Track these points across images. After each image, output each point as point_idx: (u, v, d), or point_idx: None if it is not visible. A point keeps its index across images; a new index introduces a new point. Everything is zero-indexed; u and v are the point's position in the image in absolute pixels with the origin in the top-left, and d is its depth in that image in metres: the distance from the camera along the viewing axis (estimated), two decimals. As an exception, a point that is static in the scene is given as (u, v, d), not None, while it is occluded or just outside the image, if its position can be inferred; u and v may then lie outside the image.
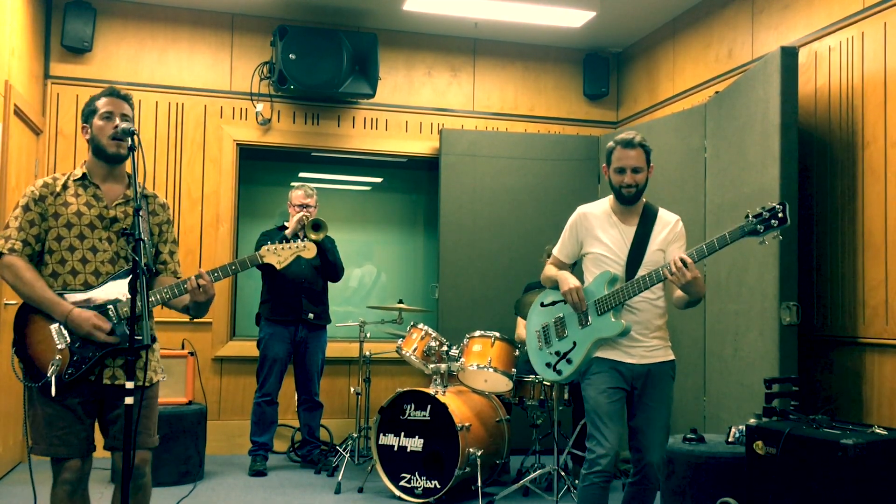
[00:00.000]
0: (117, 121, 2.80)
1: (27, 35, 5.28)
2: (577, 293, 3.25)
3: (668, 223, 3.34)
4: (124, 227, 2.81)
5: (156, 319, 3.07)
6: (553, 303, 3.41)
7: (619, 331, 3.20)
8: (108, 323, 2.72)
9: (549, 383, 4.70)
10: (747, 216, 2.99)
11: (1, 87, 4.68)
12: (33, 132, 5.50)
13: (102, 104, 2.84)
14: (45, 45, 5.73)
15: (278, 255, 2.95)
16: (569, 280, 3.30)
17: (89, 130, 2.85)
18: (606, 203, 3.41)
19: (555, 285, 3.40)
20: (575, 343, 3.29)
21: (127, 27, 5.91)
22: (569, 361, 3.30)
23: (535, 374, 4.75)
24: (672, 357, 3.33)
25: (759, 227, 2.94)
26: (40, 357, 2.72)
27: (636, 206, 3.34)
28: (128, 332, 2.49)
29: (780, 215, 2.90)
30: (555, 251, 3.49)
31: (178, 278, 2.96)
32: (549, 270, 3.46)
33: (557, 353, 3.34)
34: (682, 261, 3.00)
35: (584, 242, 3.37)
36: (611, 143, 3.36)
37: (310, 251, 2.98)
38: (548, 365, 3.37)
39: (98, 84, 5.71)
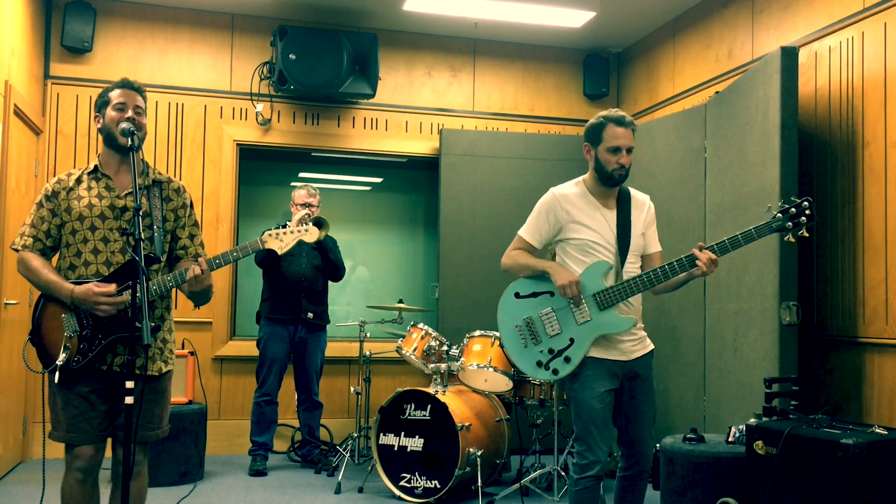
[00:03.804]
0: (130, 112, 2.85)
1: (27, 35, 5.28)
2: (577, 286, 3.05)
3: (642, 204, 3.26)
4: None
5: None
6: (534, 294, 3.17)
7: (629, 327, 3.07)
8: (110, 286, 2.75)
9: (547, 383, 4.69)
10: (771, 211, 2.97)
11: (1, 87, 4.68)
12: (33, 132, 5.50)
13: (116, 95, 2.88)
14: (45, 45, 5.73)
15: (280, 241, 2.92)
16: (562, 272, 3.09)
17: (102, 120, 2.89)
18: (581, 185, 3.21)
19: (534, 274, 3.18)
20: (572, 340, 3.09)
21: (127, 27, 5.91)
22: (567, 360, 3.09)
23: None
24: (652, 346, 3.26)
25: (788, 223, 2.93)
26: (53, 345, 2.81)
27: (615, 188, 3.19)
28: (148, 328, 2.51)
29: (807, 213, 2.91)
30: (524, 234, 3.22)
31: None
32: (523, 258, 3.20)
33: (551, 351, 3.11)
34: (712, 259, 2.96)
35: (564, 228, 3.15)
36: (598, 120, 3.14)
37: (311, 235, 2.94)
38: (539, 364, 3.13)
39: (98, 84, 5.72)
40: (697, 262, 2.99)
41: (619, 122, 3.11)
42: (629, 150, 3.11)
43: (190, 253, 3.00)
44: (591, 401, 3.07)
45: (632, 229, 3.18)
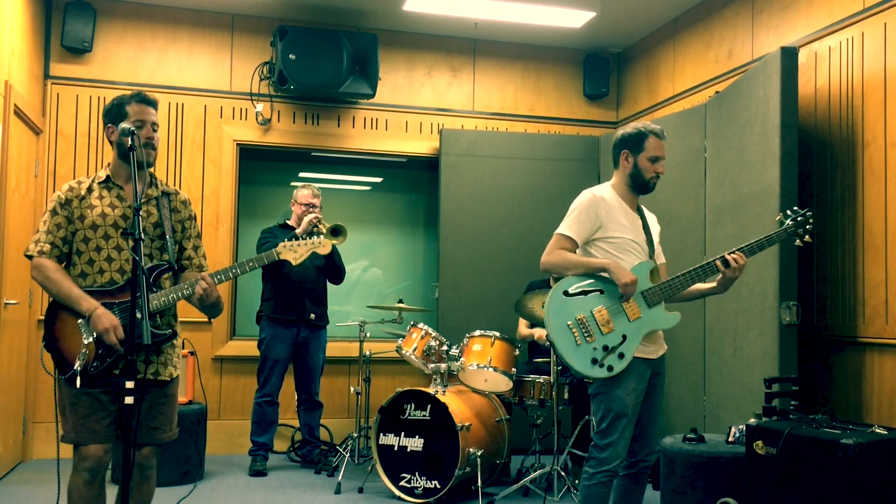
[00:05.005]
0: (148, 129, 2.90)
1: (27, 35, 5.28)
2: (635, 286, 3.14)
3: (653, 218, 3.47)
4: (145, 226, 2.89)
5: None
6: (583, 292, 3.18)
7: (677, 322, 3.22)
8: (121, 333, 2.78)
9: (548, 384, 4.69)
10: (783, 222, 3.32)
11: (1, 87, 4.68)
12: (33, 132, 5.50)
13: (134, 112, 2.90)
14: (45, 45, 5.73)
15: (295, 252, 3.04)
16: (624, 269, 3.15)
17: (116, 133, 2.90)
18: (611, 190, 3.34)
19: (588, 272, 3.21)
20: (625, 336, 3.15)
21: (127, 27, 5.91)
22: (621, 356, 3.14)
23: (537, 374, 4.77)
24: (666, 348, 3.41)
25: (800, 230, 3.31)
26: (69, 350, 2.83)
27: (639, 196, 3.39)
28: (148, 328, 2.58)
29: (812, 220, 3.32)
30: (567, 233, 3.24)
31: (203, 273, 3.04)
32: (573, 256, 3.23)
33: (606, 348, 3.13)
34: (737, 259, 3.20)
35: (604, 226, 3.24)
36: (637, 130, 3.29)
37: (325, 247, 3.08)
38: (594, 361, 3.12)
39: (98, 84, 5.74)
40: (728, 260, 3.20)
41: (660, 135, 3.31)
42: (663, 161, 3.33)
43: (194, 264, 3.07)
44: (626, 398, 3.18)
45: (653, 237, 3.38)
